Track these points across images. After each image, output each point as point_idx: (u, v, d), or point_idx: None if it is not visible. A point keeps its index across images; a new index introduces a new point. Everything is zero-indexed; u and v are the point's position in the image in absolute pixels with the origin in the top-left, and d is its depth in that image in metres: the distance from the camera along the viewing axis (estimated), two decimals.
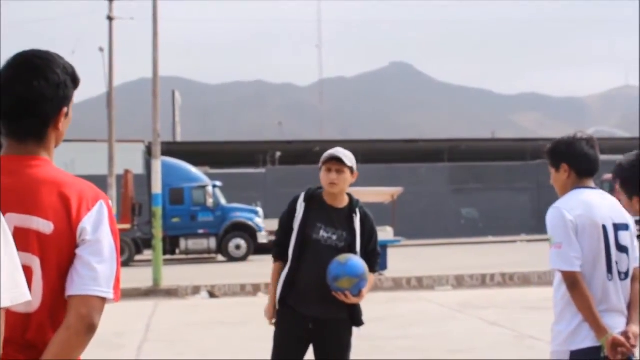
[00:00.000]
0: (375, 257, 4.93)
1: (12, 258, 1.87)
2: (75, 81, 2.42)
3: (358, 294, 4.70)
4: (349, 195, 4.94)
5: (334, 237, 4.81)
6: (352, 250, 4.79)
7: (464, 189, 41.73)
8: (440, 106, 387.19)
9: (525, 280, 17.75)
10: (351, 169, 4.83)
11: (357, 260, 4.70)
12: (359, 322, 4.93)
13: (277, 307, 4.91)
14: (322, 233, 4.81)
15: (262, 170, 41.07)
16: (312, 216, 4.83)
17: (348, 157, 4.83)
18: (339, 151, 4.85)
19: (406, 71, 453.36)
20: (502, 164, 44.24)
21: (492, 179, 42.23)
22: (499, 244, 34.05)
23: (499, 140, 54.08)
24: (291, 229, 4.85)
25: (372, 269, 4.86)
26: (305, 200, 4.89)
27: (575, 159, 4.01)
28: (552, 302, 3.95)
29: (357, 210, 4.87)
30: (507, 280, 17.74)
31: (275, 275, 4.95)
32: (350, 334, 4.91)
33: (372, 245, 4.91)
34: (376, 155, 45.12)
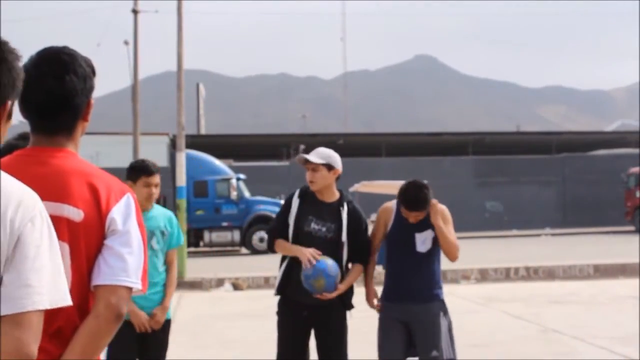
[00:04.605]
0: (364, 246, 5.31)
1: (55, 262, 1.91)
2: (94, 73, 2.46)
3: (334, 289, 5.07)
4: (340, 191, 5.36)
5: (324, 229, 5.21)
6: (339, 239, 5.19)
7: (488, 182, 41.53)
8: (465, 99, 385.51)
9: (549, 274, 17.67)
10: (327, 165, 5.19)
11: (329, 262, 5.06)
12: (349, 306, 5.27)
13: (276, 294, 5.32)
14: (313, 225, 5.21)
15: (285, 163, 41.05)
16: (304, 210, 5.24)
17: (319, 155, 5.21)
18: (313, 152, 5.26)
19: (431, 64, 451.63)
20: (527, 157, 43.98)
21: (516, 172, 41.98)
22: (523, 237, 33.91)
23: (523, 133, 53.71)
24: (287, 222, 5.25)
25: (360, 259, 5.31)
26: (300, 196, 5.30)
27: None
28: None
29: (345, 205, 5.27)
30: (532, 273, 17.66)
31: (286, 244, 5.23)
32: (344, 318, 5.28)
33: (360, 235, 5.29)
34: (400, 148, 45.00)
